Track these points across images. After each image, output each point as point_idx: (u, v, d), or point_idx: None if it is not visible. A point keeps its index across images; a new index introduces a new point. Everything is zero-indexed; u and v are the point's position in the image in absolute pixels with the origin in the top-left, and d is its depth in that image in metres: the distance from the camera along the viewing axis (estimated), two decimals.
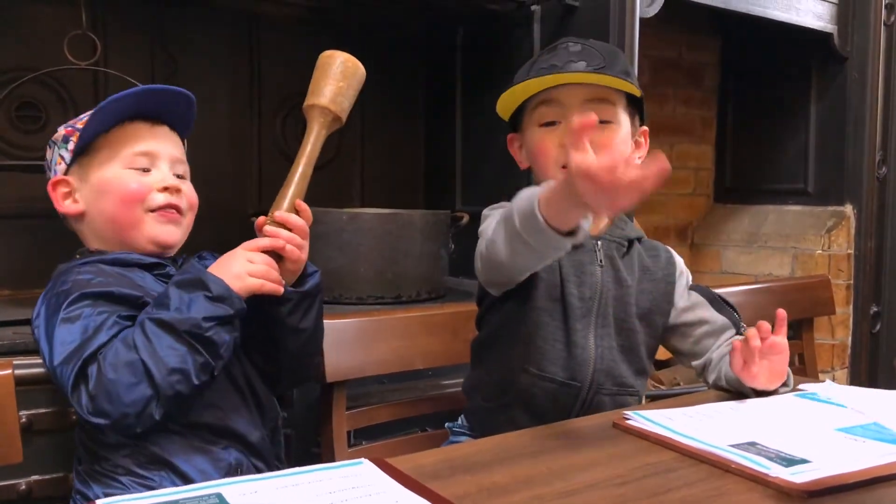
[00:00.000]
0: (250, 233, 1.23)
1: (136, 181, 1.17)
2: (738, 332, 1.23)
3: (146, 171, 1.18)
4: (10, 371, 0.99)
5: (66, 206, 1.20)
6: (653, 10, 2.03)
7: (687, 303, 1.27)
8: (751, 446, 0.89)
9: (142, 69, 2.06)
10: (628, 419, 1.00)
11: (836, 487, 0.78)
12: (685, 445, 0.91)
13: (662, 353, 3.03)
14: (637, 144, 1.25)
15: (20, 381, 1.03)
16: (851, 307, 2.73)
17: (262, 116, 2.33)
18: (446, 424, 1.38)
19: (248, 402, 1.16)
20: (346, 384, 1.38)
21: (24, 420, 1.21)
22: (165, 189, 1.17)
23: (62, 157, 1.21)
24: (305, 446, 1.62)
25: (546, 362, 1.17)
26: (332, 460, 1.17)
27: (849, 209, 2.76)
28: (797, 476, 0.80)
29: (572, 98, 1.16)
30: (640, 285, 1.22)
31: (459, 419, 1.36)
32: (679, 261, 1.30)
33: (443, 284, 2.00)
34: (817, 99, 2.84)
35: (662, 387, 2.68)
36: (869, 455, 0.87)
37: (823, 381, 1.19)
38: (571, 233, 0.91)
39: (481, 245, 1.11)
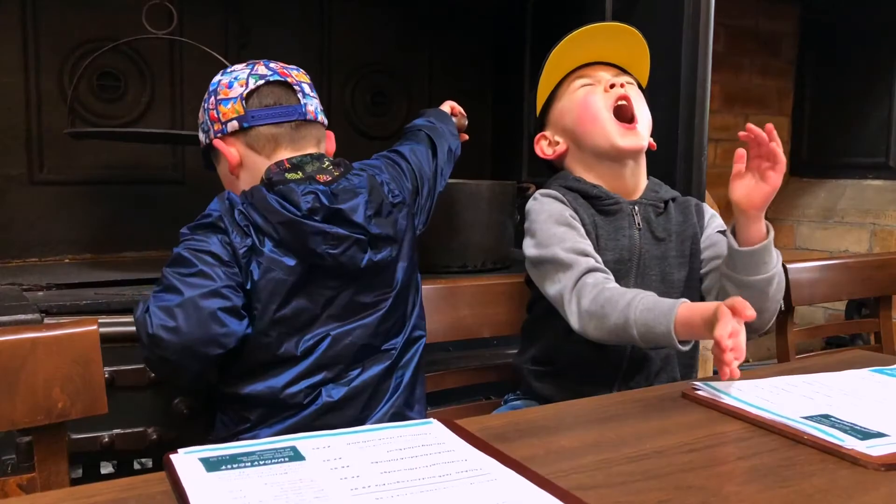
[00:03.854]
0: None
1: None
2: None
3: None
4: (95, 327, 1.03)
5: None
6: None
7: (711, 240, 1.32)
8: (824, 419, 0.88)
9: (216, 39, 2.10)
10: (697, 389, 1.00)
11: None
12: (756, 416, 0.89)
13: None
14: None
15: (104, 339, 1.08)
16: None
17: (332, 87, 2.36)
18: (505, 397, 1.41)
19: None
20: None
21: (106, 376, 1.26)
22: None
23: None
24: None
25: None
26: None
27: None
28: (873, 449, 0.78)
29: (604, 73, 1.33)
30: (677, 239, 1.30)
31: (518, 392, 1.38)
32: (707, 209, 1.38)
33: (508, 255, 2.00)
34: None
35: None
36: None
37: None
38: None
39: (570, 313, 1.20)
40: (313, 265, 1.15)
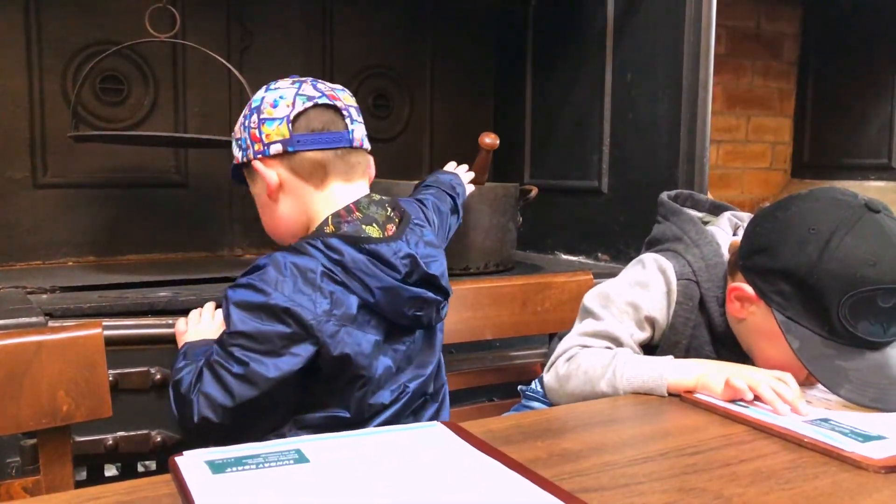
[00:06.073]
0: None
1: None
2: None
3: None
4: (99, 330, 1.04)
5: None
6: None
7: None
8: (824, 422, 0.88)
9: (218, 42, 2.11)
10: (695, 392, 1.00)
11: None
12: (756, 419, 0.90)
13: None
14: None
15: (108, 342, 1.08)
16: None
17: None
18: (519, 387, 1.40)
19: None
20: None
21: (111, 379, 1.27)
22: None
23: None
24: None
25: None
26: None
27: None
28: (873, 451, 0.78)
29: None
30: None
31: (533, 384, 1.38)
32: None
33: (511, 257, 2.00)
34: None
35: None
36: None
37: None
38: None
39: (547, 374, 1.18)
40: (392, 323, 1.12)
